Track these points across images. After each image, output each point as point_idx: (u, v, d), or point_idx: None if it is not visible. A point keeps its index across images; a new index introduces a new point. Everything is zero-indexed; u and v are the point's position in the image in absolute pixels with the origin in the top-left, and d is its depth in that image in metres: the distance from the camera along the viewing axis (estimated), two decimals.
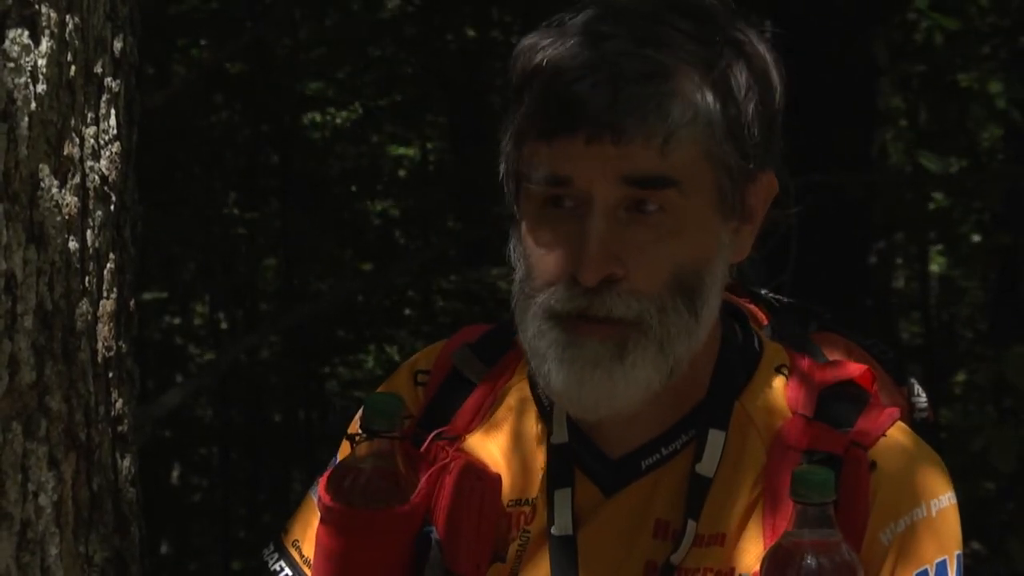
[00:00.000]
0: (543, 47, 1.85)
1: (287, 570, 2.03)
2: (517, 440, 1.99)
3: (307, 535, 2.02)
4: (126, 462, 2.04)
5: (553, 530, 1.93)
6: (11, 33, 1.84)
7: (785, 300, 2.14)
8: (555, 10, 1.90)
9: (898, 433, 1.93)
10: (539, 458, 1.97)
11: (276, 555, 2.05)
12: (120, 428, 2.03)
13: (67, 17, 1.90)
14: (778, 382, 1.96)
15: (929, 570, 1.86)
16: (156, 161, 7.27)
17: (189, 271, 9.66)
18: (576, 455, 1.95)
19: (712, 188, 1.86)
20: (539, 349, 1.87)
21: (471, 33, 8.70)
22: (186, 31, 8.31)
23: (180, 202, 8.45)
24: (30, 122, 1.86)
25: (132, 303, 2.07)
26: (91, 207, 1.96)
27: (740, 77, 1.86)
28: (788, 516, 1.79)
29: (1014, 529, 6.38)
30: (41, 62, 1.87)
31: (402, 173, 10.36)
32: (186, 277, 9.67)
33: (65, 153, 1.91)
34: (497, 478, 1.95)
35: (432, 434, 1.96)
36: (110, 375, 2.00)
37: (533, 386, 1.99)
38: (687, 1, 1.89)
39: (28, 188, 1.86)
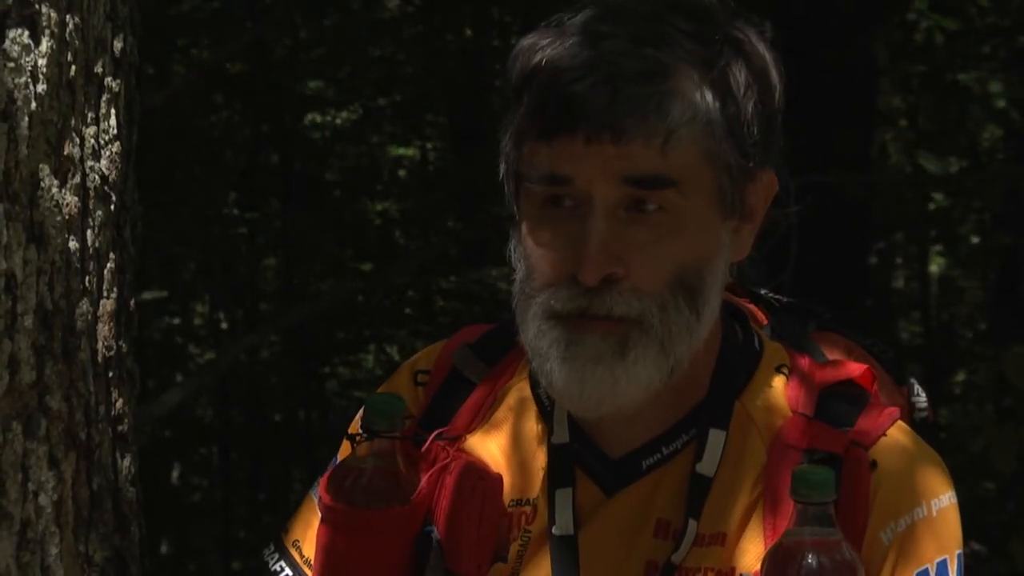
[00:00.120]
0: (542, 47, 1.85)
1: (287, 570, 2.02)
2: (518, 440, 1.99)
3: (307, 535, 2.02)
4: (126, 462, 2.04)
5: (554, 530, 1.93)
6: (11, 33, 1.84)
7: (785, 300, 2.14)
8: (555, 10, 1.90)
9: (898, 433, 1.93)
10: (540, 458, 1.97)
11: (276, 555, 2.05)
12: (120, 428, 2.03)
13: (67, 17, 1.90)
14: (778, 381, 1.96)
15: (930, 569, 1.86)
16: (156, 161, 7.27)
17: (189, 271, 9.66)
18: (577, 455, 1.95)
19: (712, 187, 1.86)
20: (540, 348, 1.88)
21: (470, 33, 8.70)
22: (186, 31, 8.31)
23: (180, 202, 8.45)
24: (30, 122, 1.86)
25: (132, 303, 2.07)
26: (91, 207, 1.96)
27: (739, 76, 1.86)
28: (789, 515, 1.79)
29: (1014, 529, 6.38)
30: (41, 62, 1.87)
31: (402, 173, 10.36)
32: (186, 277, 9.67)
33: (65, 153, 1.91)
34: (498, 478, 1.95)
35: (433, 434, 1.96)
36: (110, 375, 2.00)
37: (534, 386, 1.99)
38: (686, 0, 1.89)
39: (28, 188, 1.86)
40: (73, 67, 1.92)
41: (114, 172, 2.00)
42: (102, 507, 1.98)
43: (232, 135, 9.27)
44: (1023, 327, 9.55)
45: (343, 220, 9.25)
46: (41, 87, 1.87)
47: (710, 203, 1.86)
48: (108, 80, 2.00)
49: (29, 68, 1.86)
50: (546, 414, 1.97)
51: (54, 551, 1.91)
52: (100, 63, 1.98)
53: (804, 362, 1.98)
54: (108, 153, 1.99)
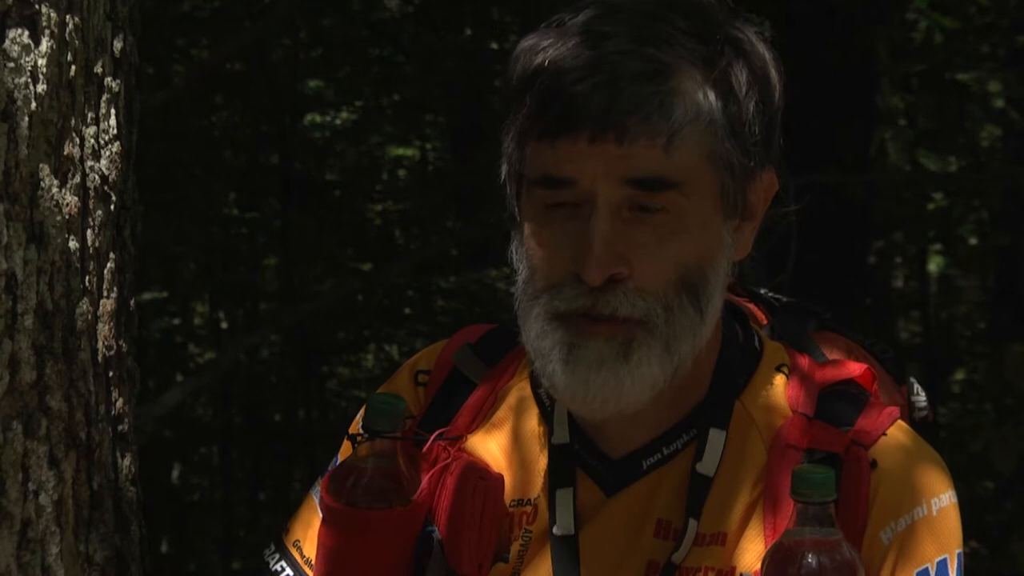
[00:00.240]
0: (544, 48, 1.85)
1: (288, 570, 2.02)
2: (518, 440, 1.99)
3: (308, 535, 2.02)
4: (126, 461, 2.04)
5: (555, 530, 1.93)
6: (11, 33, 1.84)
7: (785, 299, 2.14)
8: (555, 10, 1.90)
9: (898, 432, 1.93)
10: (540, 458, 1.97)
11: (277, 555, 2.05)
12: (120, 427, 2.03)
13: (67, 17, 1.91)
14: (778, 381, 1.96)
15: (930, 569, 1.86)
16: (156, 161, 7.27)
17: (189, 271, 9.66)
18: (577, 455, 1.95)
19: (714, 187, 1.86)
20: (543, 350, 1.87)
21: (470, 33, 8.69)
22: (186, 31, 8.31)
23: (180, 202, 8.45)
24: (30, 122, 1.86)
25: (132, 303, 2.07)
26: (91, 207, 1.96)
27: (740, 75, 1.86)
28: (789, 515, 1.79)
29: (1014, 529, 6.38)
30: (41, 62, 1.87)
31: (402, 173, 10.36)
32: (186, 277, 9.67)
33: (65, 153, 1.91)
34: (499, 478, 1.95)
35: (434, 434, 1.96)
36: (110, 374, 2.00)
37: (534, 386, 1.99)
38: (686, 0, 1.89)
39: (28, 188, 1.86)
40: (73, 67, 1.92)
41: (114, 172, 2.00)
42: (102, 507, 1.98)
43: (232, 135, 9.27)
44: (1022, 326, 9.55)
45: (343, 220, 9.25)
46: (41, 87, 1.87)
47: (712, 203, 1.86)
48: (108, 80, 2.00)
49: (29, 68, 1.86)
50: (546, 414, 1.97)
51: (54, 550, 1.91)
52: (100, 63, 1.98)
53: (804, 362, 1.98)
54: (108, 153, 2.00)
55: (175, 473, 10.01)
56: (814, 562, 1.74)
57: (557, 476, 1.94)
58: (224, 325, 10.22)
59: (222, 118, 9.17)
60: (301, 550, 2.02)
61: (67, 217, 1.91)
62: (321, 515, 1.97)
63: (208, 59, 7.60)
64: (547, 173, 1.85)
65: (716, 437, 1.91)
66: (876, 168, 7.87)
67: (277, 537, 2.06)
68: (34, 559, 1.89)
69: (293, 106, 9.30)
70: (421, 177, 10.27)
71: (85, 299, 1.95)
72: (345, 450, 2.02)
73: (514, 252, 1.93)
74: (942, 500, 1.89)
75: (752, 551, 1.87)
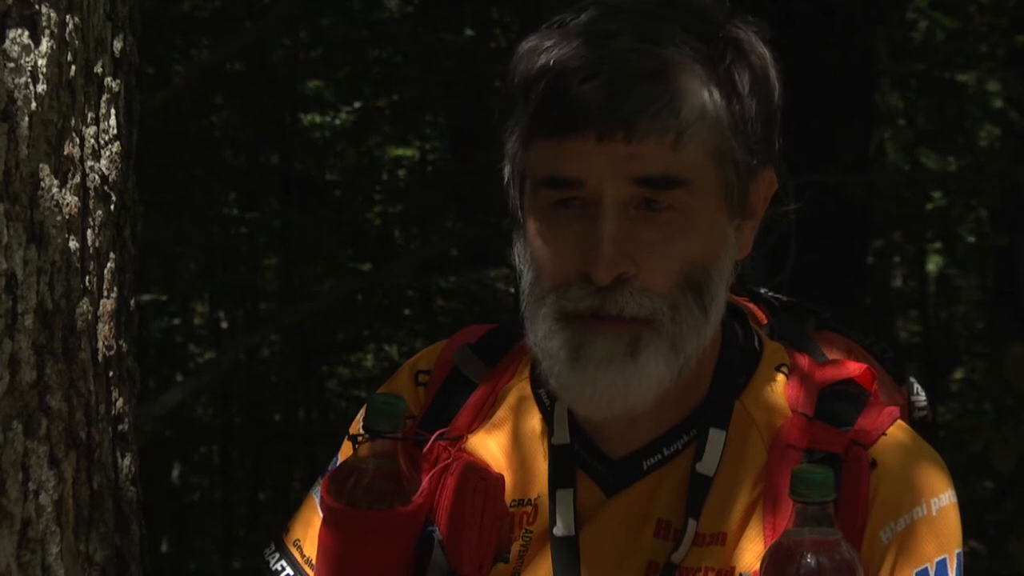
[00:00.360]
0: (547, 48, 1.85)
1: (288, 570, 2.02)
2: (518, 440, 1.99)
3: (308, 535, 2.02)
4: (126, 461, 2.04)
5: (555, 531, 1.93)
6: (11, 33, 1.84)
7: (784, 299, 2.14)
8: (555, 10, 1.90)
9: (898, 432, 1.93)
10: (540, 458, 1.97)
11: (277, 555, 2.05)
12: (120, 427, 2.03)
13: (67, 17, 1.91)
14: (778, 381, 1.96)
15: (929, 568, 1.86)
16: (156, 161, 7.27)
17: (189, 271, 9.66)
18: (577, 455, 1.95)
19: (719, 185, 1.86)
20: (550, 350, 1.87)
21: (470, 33, 8.69)
22: (186, 31, 8.31)
23: (180, 202, 8.45)
24: (30, 122, 1.86)
25: (132, 303, 2.07)
26: (91, 207, 1.96)
27: (743, 74, 1.87)
28: (788, 515, 1.79)
29: (1013, 528, 6.38)
30: (41, 62, 1.87)
31: (401, 173, 10.36)
32: (186, 277, 9.67)
33: (65, 153, 1.91)
34: (500, 478, 1.95)
35: (435, 434, 1.96)
36: (110, 374, 2.00)
37: (534, 386, 1.99)
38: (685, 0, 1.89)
39: (28, 188, 1.86)
40: (73, 67, 1.92)
41: (114, 172, 2.00)
42: (102, 506, 1.98)
43: (232, 135, 9.27)
44: (1022, 325, 9.55)
45: (343, 220, 9.25)
46: (41, 87, 1.87)
47: (717, 201, 1.86)
48: (108, 80, 2.00)
49: (29, 68, 1.86)
50: (547, 414, 1.97)
51: (55, 550, 1.91)
52: (100, 63, 1.98)
53: (804, 361, 1.98)
54: (108, 153, 2.00)
55: (175, 473, 10.01)
56: (813, 562, 1.74)
57: (557, 477, 1.94)
58: (224, 325, 10.22)
59: (222, 118, 9.18)
60: (301, 550, 2.02)
61: (67, 217, 1.91)
62: (321, 515, 1.97)
63: (208, 59, 7.60)
64: (553, 173, 1.85)
65: (716, 437, 1.91)
66: (875, 168, 7.87)
67: (277, 537, 2.06)
68: (34, 559, 1.89)
69: (293, 106, 9.30)
70: (421, 177, 10.27)
71: (85, 299, 1.95)
72: (345, 450, 2.02)
73: (516, 253, 1.93)
74: (942, 500, 1.89)
75: (752, 551, 1.87)
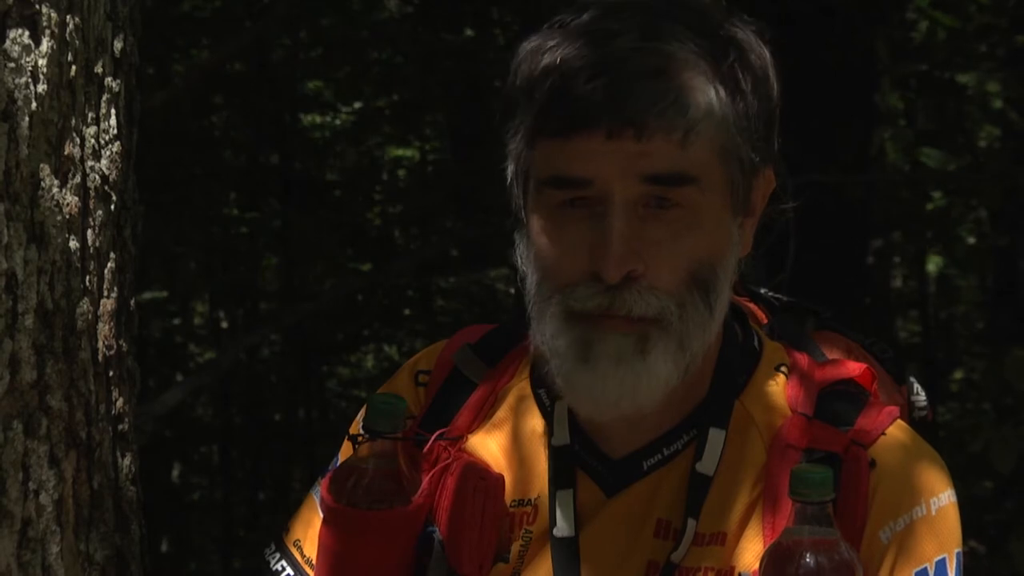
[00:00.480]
0: (550, 48, 1.85)
1: (288, 570, 2.03)
2: (518, 440, 1.99)
3: (308, 535, 2.02)
4: (126, 461, 2.04)
5: (555, 531, 1.93)
6: (11, 33, 1.84)
7: (784, 298, 2.14)
8: (555, 10, 1.90)
9: (898, 431, 1.93)
10: (540, 459, 1.97)
11: (277, 555, 2.05)
12: (120, 427, 2.03)
13: (67, 17, 1.91)
14: (778, 381, 1.96)
15: (929, 568, 1.86)
16: (156, 161, 7.27)
17: (189, 271, 9.66)
18: (577, 456, 1.95)
19: (726, 183, 1.86)
20: (558, 349, 1.87)
21: (470, 33, 8.69)
22: (186, 31, 8.31)
23: (180, 202, 8.45)
24: (31, 122, 1.86)
25: (132, 302, 2.07)
26: (91, 207, 1.96)
27: (745, 72, 1.87)
28: (788, 515, 1.79)
29: (1013, 528, 6.38)
30: (41, 62, 1.87)
31: (401, 173, 10.36)
32: (186, 277, 9.67)
33: (65, 153, 1.91)
34: (500, 478, 1.95)
35: (435, 435, 1.96)
36: (111, 374, 2.00)
37: (534, 386, 1.99)
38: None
39: (29, 188, 1.86)
40: (73, 67, 1.92)
41: (114, 172, 2.01)
42: (103, 506, 1.98)
43: (232, 135, 9.27)
44: (1022, 326, 9.55)
45: (343, 220, 9.25)
46: (41, 87, 1.87)
47: (723, 199, 1.87)
48: (108, 80, 2.00)
49: (29, 68, 1.86)
50: (547, 415, 1.97)
51: (55, 550, 1.91)
52: (100, 63, 1.98)
53: (804, 361, 1.98)
54: (108, 153, 2.00)
55: (175, 473, 10.01)
56: (812, 562, 1.75)
57: (557, 477, 1.94)
58: (224, 325, 10.22)
59: (222, 118, 9.17)
60: (301, 550, 2.02)
61: (67, 217, 1.91)
62: (321, 515, 1.97)
63: (208, 59, 7.59)
64: (559, 173, 1.84)
65: (716, 437, 1.91)
66: (876, 168, 7.87)
67: (277, 536, 2.07)
68: (34, 558, 1.89)
69: (293, 106, 9.30)
70: (421, 177, 10.27)
71: (85, 299, 1.95)
72: (345, 450, 2.02)
73: (519, 253, 1.93)
74: (941, 499, 1.89)
75: (751, 551, 1.87)
